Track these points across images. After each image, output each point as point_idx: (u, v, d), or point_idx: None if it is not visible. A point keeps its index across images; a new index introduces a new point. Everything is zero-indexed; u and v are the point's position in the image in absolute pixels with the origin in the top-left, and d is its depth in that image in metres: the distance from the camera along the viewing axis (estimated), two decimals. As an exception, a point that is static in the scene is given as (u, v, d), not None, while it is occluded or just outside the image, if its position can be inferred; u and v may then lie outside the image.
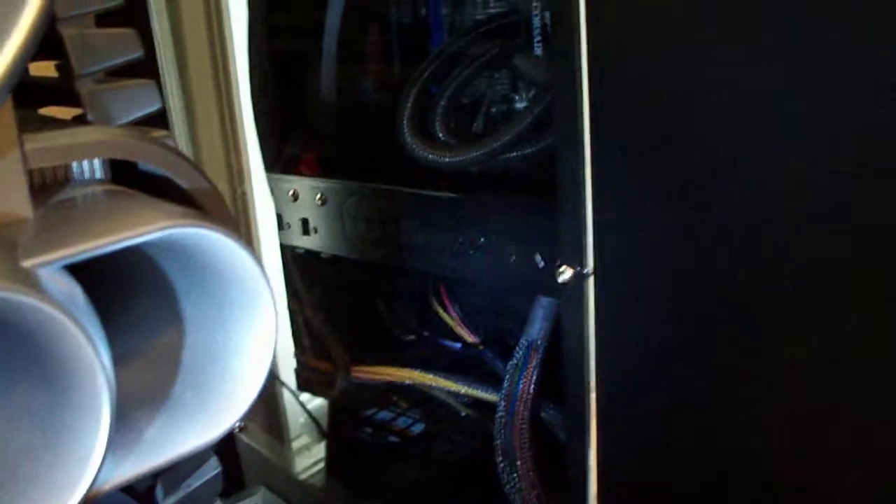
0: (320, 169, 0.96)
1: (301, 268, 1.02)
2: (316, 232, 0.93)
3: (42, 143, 0.40)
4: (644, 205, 0.60)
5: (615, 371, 0.66)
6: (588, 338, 0.66)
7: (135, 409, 0.43)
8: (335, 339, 1.02)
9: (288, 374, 1.09)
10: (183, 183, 0.45)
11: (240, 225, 1.00)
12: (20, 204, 0.38)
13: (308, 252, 0.97)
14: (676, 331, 0.61)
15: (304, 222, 0.94)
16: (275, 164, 0.98)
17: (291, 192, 0.94)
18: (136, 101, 0.48)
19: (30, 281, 0.33)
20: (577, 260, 0.64)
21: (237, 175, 0.98)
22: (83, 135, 0.42)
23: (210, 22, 0.95)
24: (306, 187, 0.92)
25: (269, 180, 0.97)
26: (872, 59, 0.47)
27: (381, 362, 0.98)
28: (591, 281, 0.64)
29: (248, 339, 0.43)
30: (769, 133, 0.52)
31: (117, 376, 0.41)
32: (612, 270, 0.63)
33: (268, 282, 0.42)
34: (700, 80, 0.55)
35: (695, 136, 0.56)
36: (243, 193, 0.98)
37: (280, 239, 0.99)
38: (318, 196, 0.91)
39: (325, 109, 0.98)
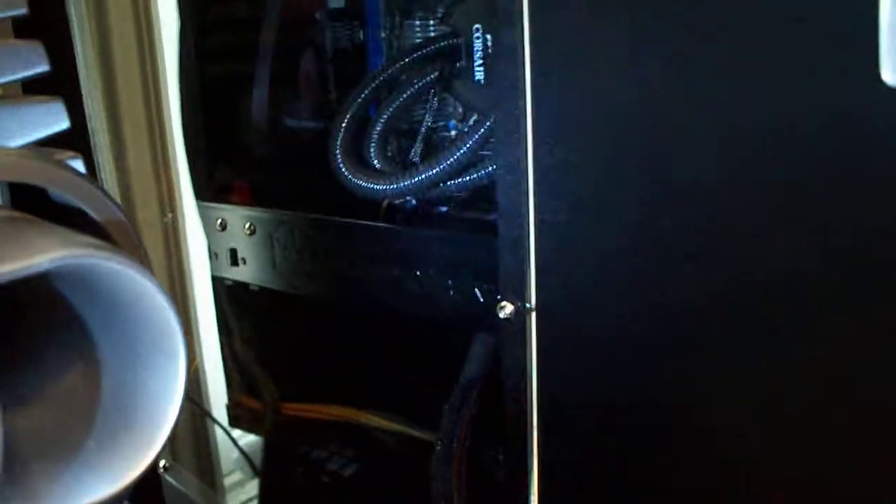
0: (252, 197, 0.93)
1: (230, 300, 0.99)
2: (245, 263, 0.90)
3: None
4: (587, 237, 0.58)
5: (558, 408, 0.64)
6: (530, 374, 0.64)
7: (30, 459, 0.40)
8: (265, 375, 0.99)
9: (220, 410, 1.05)
10: (88, 209, 0.42)
11: (170, 254, 0.97)
12: None
13: (237, 284, 0.94)
14: (621, 367, 0.60)
15: (233, 252, 0.90)
16: (205, 191, 0.95)
17: (220, 221, 0.91)
18: (41, 120, 0.44)
19: None
20: (519, 295, 0.62)
21: (168, 201, 0.95)
22: (-24, 155, 0.38)
23: (141, 41, 0.92)
24: (235, 216, 0.89)
25: (199, 208, 0.93)
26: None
27: (314, 399, 0.95)
28: (532, 316, 0.62)
29: (158, 382, 0.40)
30: (715, 166, 0.52)
31: (11, 423, 0.37)
32: (555, 305, 0.61)
33: (178, 319, 0.38)
34: (647, 113, 0.54)
35: (639, 167, 0.55)
36: (174, 220, 0.95)
37: (209, 270, 0.95)
38: (248, 225, 0.88)
39: (258, 135, 0.96)
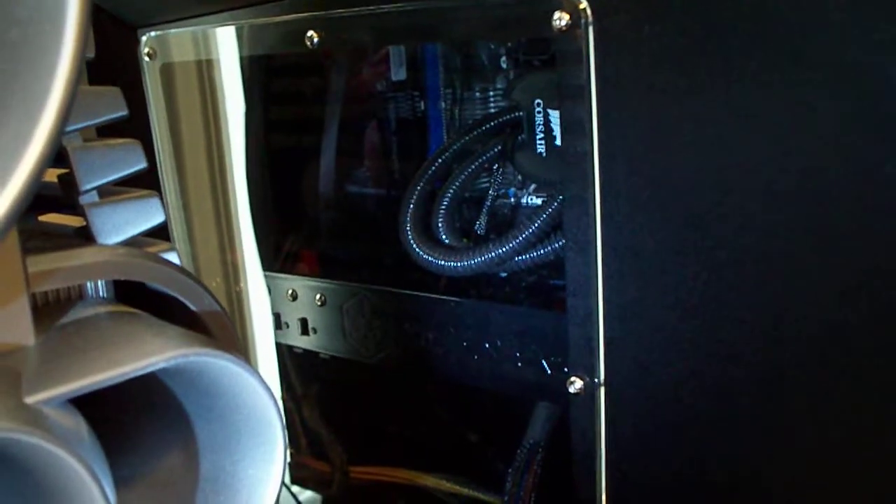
0: (320, 268, 0.95)
1: (299, 367, 1.00)
2: (315, 332, 0.91)
3: (45, 266, 0.39)
4: (655, 313, 0.59)
5: (627, 480, 0.65)
6: (599, 446, 0.65)
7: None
8: (332, 439, 1.00)
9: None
10: (186, 300, 0.44)
11: (235, 323, 0.98)
12: (23, 332, 0.37)
13: (307, 352, 0.96)
14: (689, 437, 0.60)
15: (304, 322, 0.92)
16: (273, 262, 0.97)
17: (290, 292, 0.92)
18: (140, 216, 0.47)
19: (33, 419, 0.32)
20: (588, 370, 0.63)
21: (233, 273, 0.97)
22: (86, 256, 0.40)
23: (206, 118, 0.94)
24: (305, 287, 0.91)
25: (267, 279, 0.95)
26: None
27: (380, 462, 0.96)
28: (602, 391, 0.63)
29: (256, 469, 0.42)
30: (779, 238, 0.52)
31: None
32: (624, 379, 0.62)
33: (278, 409, 0.40)
34: (713, 189, 0.54)
35: (706, 244, 0.56)
36: (239, 292, 0.97)
37: (277, 338, 0.97)
38: (318, 296, 0.89)
39: (325, 207, 0.97)
